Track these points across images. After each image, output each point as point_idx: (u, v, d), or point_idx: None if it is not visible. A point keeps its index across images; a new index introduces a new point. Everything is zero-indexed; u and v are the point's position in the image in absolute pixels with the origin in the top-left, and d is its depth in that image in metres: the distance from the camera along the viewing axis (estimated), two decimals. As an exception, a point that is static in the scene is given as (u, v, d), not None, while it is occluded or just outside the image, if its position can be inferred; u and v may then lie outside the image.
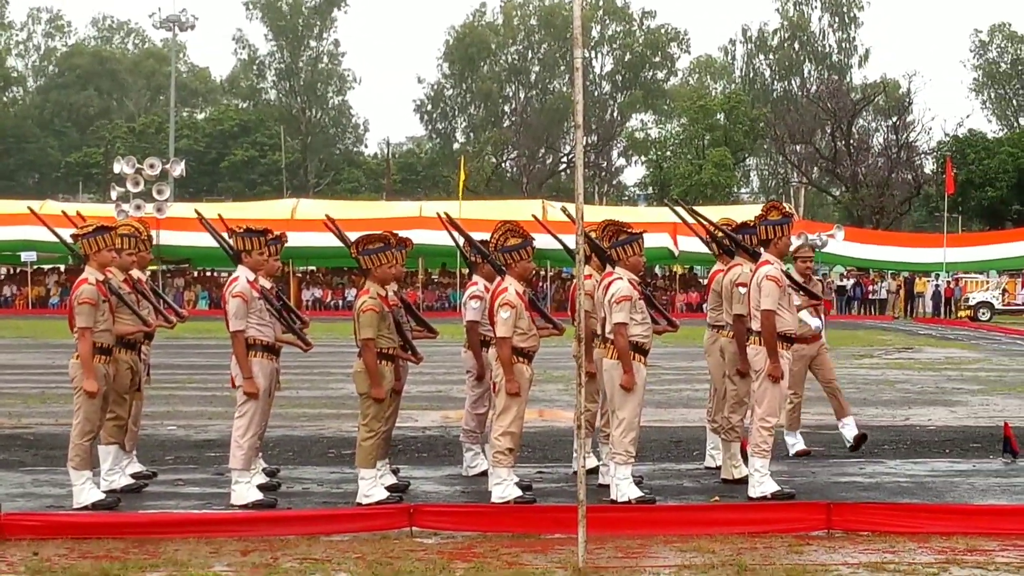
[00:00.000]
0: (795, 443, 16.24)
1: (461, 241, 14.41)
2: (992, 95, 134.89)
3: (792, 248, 15.15)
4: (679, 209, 15.76)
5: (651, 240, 13.60)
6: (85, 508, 12.28)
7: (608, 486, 12.84)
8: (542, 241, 14.54)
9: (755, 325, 13.13)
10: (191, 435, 18.15)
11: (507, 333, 12.48)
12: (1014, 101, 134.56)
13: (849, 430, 16.37)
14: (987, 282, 74.22)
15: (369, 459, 12.57)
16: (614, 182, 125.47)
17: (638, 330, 12.72)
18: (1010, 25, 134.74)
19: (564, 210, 13.46)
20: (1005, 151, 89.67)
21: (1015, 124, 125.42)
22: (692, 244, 16.36)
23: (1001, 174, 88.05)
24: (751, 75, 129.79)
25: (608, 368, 12.76)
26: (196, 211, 14.78)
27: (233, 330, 12.57)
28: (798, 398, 16.16)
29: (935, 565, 10.33)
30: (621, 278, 12.75)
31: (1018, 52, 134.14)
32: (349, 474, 13.91)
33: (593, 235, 13.29)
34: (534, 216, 18.79)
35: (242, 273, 12.82)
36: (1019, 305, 66.94)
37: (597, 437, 13.90)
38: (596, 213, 52.92)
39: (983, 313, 65.27)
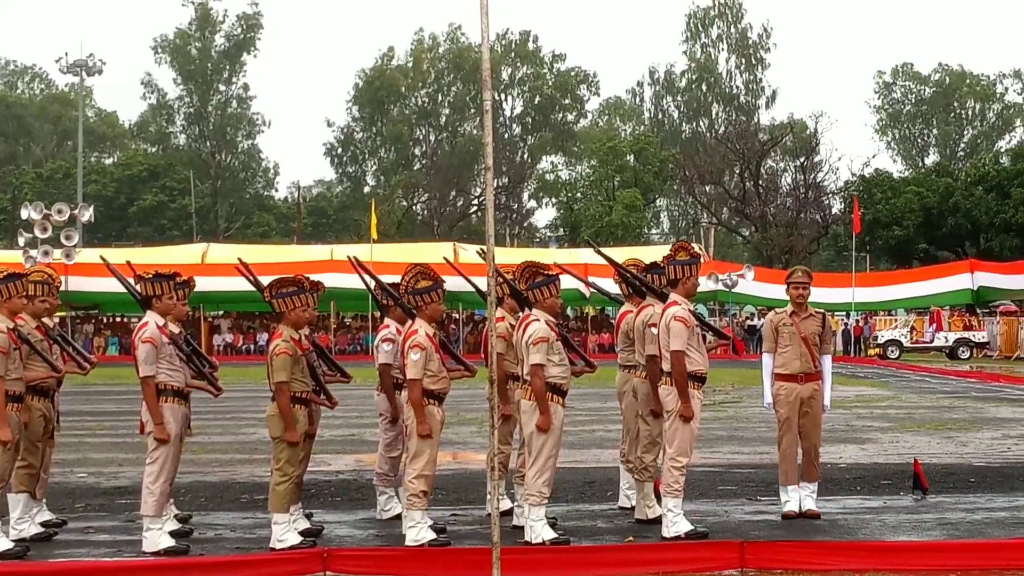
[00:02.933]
0: (787, 500, 14.36)
1: (372, 284, 14.40)
2: (897, 135, 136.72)
3: (787, 274, 15.02)
4: (587, 253, 15.76)
5: (563, 282, 13.58)
6: (-7, 558, 12.13)
7: (522, 528, 12.83)
8: (454, 283, 14.57)
9: (666, 366, 13.18)
10: (101, 482, 17.97)
11: (417, 375, 12.47)
12: (918, 141, 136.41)
13: (797, 500, 14.34)
14: (895, 320, 74.97)
15: (282, 503, 12.51)
16: (525, 224, 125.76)
17: (556, 371, 12.75)
18: (913, 66, 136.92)
19: (480, 252, 13.43)
20: (911, 190, 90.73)
21: (920, 164, 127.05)
22: (603, 286, 16.53)
23: (907, 213, 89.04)
24: (660, 116, 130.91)
25: (526, 409, 12.76)
26: (101, 257, 14.65)
27: (143, 376, 12.47)
28: (789, 448, 14.37)
29: (848, 602, 10.39)
30: (538, 319, 12.76)
31: (921, 93, 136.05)
32: (262, 519, 13.83)
33: (510, 277, 13.32)
34: (445, 259, 18.83)
35: (151, 318, 12.74)
36: (927, 343, 67.63)
37: (512, 479, 13.89)
38: (508, 255, 53.10)
39: (892, 351, 65.90)
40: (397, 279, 13.51)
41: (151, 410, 12.46)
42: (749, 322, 76.59)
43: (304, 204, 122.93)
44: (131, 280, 13.55)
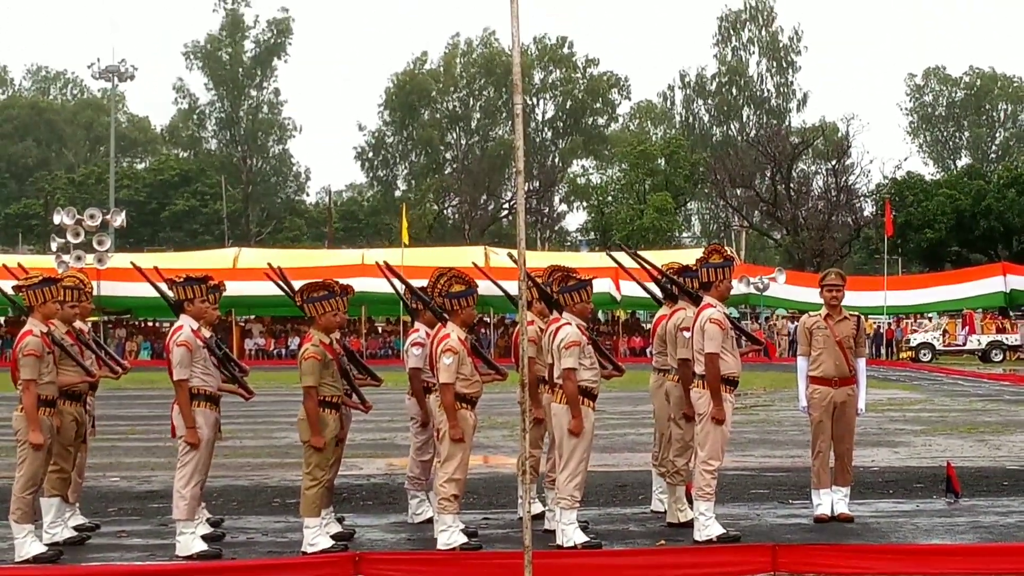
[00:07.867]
0: (819, 504, 14.29)
1: (402, 289, 14.42)
2: (928, 138, 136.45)
3: (821, 276, 14.87)
4: (619, 257, 15.73)
5: (594, 285, 13.57)
6: (27, 561, 12.17)
7: (554, 531, 12.82)
8: (484, 287, 14.57)
9: (699, 368, 13.16)
10: (134, 486, 18.02)
11: (450, 379, 12.47)
12: (950, 143, 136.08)
13: (829, 504, 14.33)
14: (928, 323, 74.70)
15: (313, 508, 12.51)
16: (556, 228, 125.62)
17: (587, 375, 12.73)
18: (944, 68, 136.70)
19: (511, 256, 13.45)
20: (943, 193, 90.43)
21: (952, 166, 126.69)
22: (634, 289, 16.47)
23: (939, 216, 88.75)
24: (690, 120, 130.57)
25: (557, 413, 12.76)
26: (132, 263, 14.69)
27: (177, 379, 12.48)
28: (822, 450, 14.21)
29: (881, 605, 10.36)
30: (570, 323, 12.76)
31: (952, 95, 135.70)
32: (294, 523, 13.84)
33: (540, 280, 13.31)
34: (474, 263, 18.84)
35: (186, 322, 12.75)
36: (959, 346, 67.40)
37: (543, 482, 13.88)
38: (539, 259, 53.06)
39: (924, 354, 65.69)
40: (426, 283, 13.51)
41: (184, 414, 12.47)
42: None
43: (335, 208, 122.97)
44: (163, 285, 13.58)
